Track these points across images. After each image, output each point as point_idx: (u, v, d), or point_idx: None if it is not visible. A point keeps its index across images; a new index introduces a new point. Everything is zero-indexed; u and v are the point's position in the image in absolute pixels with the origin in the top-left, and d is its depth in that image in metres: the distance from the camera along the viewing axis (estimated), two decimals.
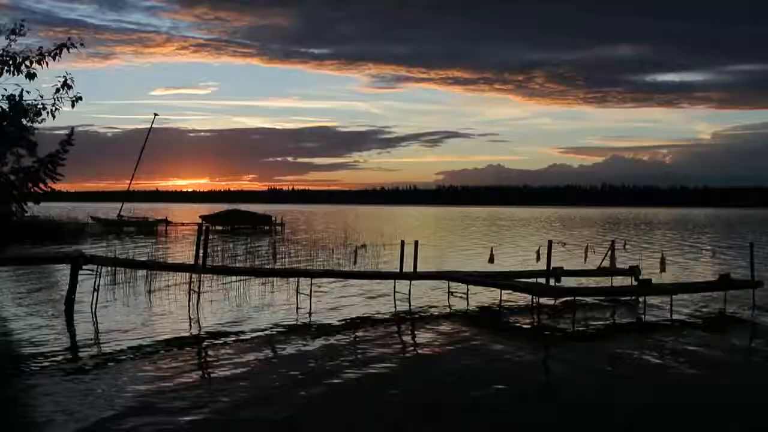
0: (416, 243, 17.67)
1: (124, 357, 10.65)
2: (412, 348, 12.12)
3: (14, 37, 14.49)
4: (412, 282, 17.27)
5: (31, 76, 14.43)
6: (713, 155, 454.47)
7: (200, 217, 60.66)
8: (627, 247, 30.15)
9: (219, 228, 55.03)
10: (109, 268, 17.18)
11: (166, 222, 58.57)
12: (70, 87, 14.79)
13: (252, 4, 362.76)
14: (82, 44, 14.99)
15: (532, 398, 8.90)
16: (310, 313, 14.86)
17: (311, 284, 16.64)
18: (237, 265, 23.66)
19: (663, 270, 18.39)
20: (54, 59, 14.57)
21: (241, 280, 18.51)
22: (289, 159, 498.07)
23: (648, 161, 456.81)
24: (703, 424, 8.03)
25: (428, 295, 17.42)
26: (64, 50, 14.60)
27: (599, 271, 19.18)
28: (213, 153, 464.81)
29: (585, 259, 19.40)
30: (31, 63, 14.42)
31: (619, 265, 19.79)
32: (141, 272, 18.46)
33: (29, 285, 18.69)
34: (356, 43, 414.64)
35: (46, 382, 9.12)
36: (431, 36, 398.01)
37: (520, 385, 9.46)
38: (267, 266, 21.00)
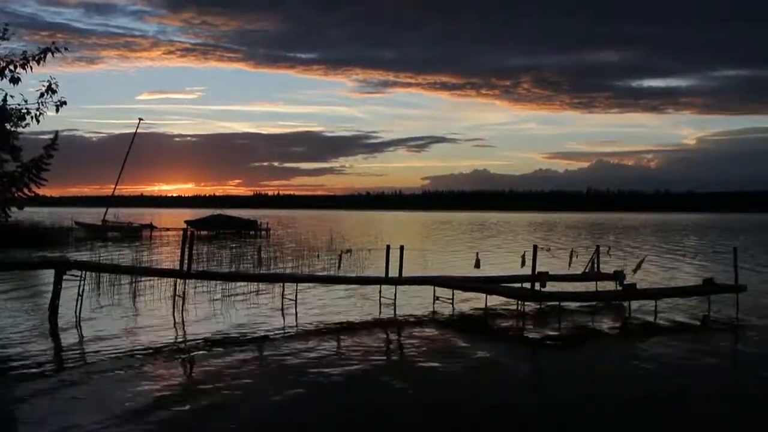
0: (401, 248, 17.68)
1: (108, 363, 10.57)
2: (396, 353, 12.15)
3: None
4: (398, 287, 17.29)
5: (15, 80, 14.28)
6: (697, 160, 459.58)
7: (185, 222, 60.44)
8: (611, 252, 30.31)
9: (204, 233, 54.84)
10: (94, 274, 17.08)
11: (151, 227, 58.22)
12: (54, 91, 14.66)
13: (239, 8, 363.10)
14: (66, 48, 14.88)
15: (517, 402, 8.94)
16: (295, 318, 14.84)
17: (296, 289, 16.61)
18: (222, 270, 23.61)
19: (635, 271, 18.47)
20: (38, 63, 14.45)
21: (226, 285, 18.43)
22: (275, 164, 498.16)
23: (633, 166, 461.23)
24: (687, 428, 8.11)
25: (414, 300, 17.43)
26: (49, 54, 14.49)
27: (584, 276, 19.30)
28: (198, 158, 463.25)
29: (569, 264, 19.50)
30: (15, 67, 14.29)
31: (602, 270, 19.93)
32: (125, 278, 18.36)
33: (12, 291, 18.49)
34: (343, 48, 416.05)
35: (28, 390, 9.04)
36: (418, 41, 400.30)
37: (505, 389, 9.51)
38: (252, 271, 20.94)
